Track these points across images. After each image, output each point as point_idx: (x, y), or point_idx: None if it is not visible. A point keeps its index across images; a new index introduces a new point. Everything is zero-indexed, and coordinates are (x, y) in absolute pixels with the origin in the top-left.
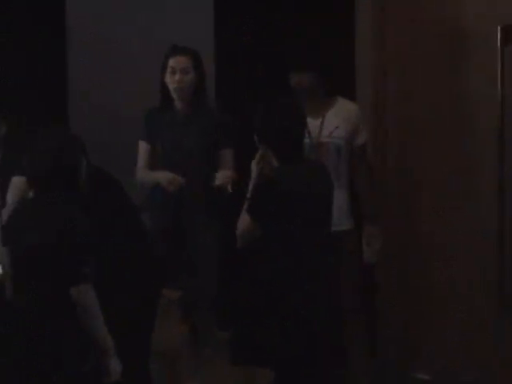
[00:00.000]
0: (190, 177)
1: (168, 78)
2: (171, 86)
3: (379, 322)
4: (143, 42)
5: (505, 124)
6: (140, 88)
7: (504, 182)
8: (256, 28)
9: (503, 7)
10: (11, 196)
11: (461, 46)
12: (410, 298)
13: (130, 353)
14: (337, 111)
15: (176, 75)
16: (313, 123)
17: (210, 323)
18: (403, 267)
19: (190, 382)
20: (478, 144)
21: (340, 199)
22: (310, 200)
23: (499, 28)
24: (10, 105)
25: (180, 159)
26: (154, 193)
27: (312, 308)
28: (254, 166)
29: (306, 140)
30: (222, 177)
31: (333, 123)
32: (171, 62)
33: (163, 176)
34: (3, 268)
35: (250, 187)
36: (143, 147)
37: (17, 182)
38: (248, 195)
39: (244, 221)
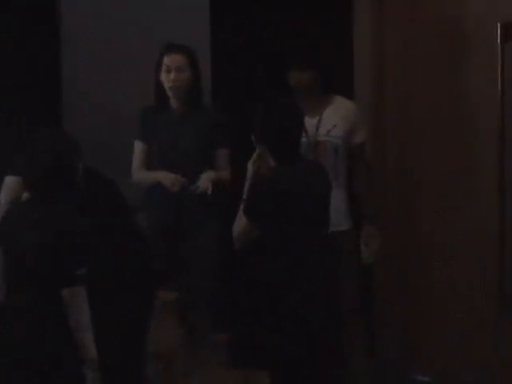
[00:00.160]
0: (186, 176)
1: (163, 77)
2: (166, 85)
3: (379, 322)
4: (143, 42)
5: (505, 123)
6: (140, 88)
7: (504, 182)
8: (252, 27)
9: (503, 4)
10: (4, 196)
11: (460, 45)
12: (410, 298)
13: (125, 353)
14: (334, 110)
15: (171, 74)
16: (310, 122)
17: (207, 324)
18: (403, 267)
19: None
20: (478, 143)
21: (338, 199)
22: (308, 200)
23: (499, 25)
24: (2, 104)
25: (176, 159)
26: (151, 192)
27: (311, 308)
28: (250, 167)
29: (303, 139)
30: (203, 180)
31: (330, 122)
32: (166, 61)
33: (164, 176)
34: None
35: (246, 188)
36: (139, 147)
37: (10, 183)
38: (244, 196)
39: (240, 222)
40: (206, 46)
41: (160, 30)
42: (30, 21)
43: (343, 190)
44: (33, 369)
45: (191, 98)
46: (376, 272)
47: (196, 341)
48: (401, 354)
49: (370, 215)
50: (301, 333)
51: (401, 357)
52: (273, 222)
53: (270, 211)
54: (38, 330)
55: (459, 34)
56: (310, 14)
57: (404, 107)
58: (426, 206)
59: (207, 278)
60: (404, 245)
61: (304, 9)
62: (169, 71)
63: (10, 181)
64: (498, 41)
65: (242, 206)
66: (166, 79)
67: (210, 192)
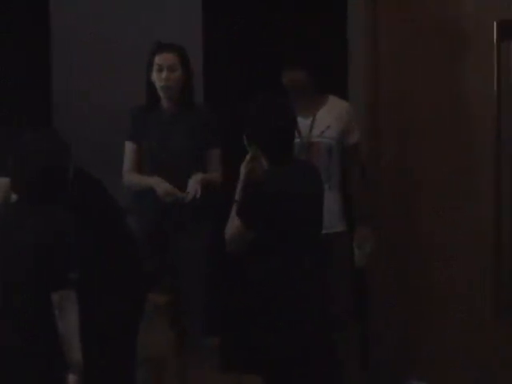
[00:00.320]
0: (177, 178)
1: (154, 76)
2: (158, 84)
3: (377, 323)
4: (135, 41)
5: (501, 123)
6: (139, 88)
7: (501, 182)
8: (245, 27)
9: (499, 2)
10: None
11: (456, 45)
12: (410, 299)
13: (115, 358)
14: (328, 110)
15: (163, 73)
16: (303, 122)
17: (198, 328)
18: (402, 267)
19: None
20: (474, 143)
21: (331, 201)
22: (301, 201)
23: (495, 24)
24: None
25: (167, 159)
26: (141, 196)
27: (305, 308)
28: (242, 169)
29: (297, 140)
30: (191, 185)
31: (324, 122)
32: (157, 60)
33: (158, 184)
34: None
35: (238, 190)
36: (130, 148)
37: None
38: (236, 198)
39: (233, 225)
40: (197, 46)
41: (151, 30)
42: (19, 20)
43: (337, 192)
44: (23, 371)
45: (183, 97)
46: (374, 273)
47: (187, 345)
48: (399, 355)
49: (364, 217)
50: (295, 333)
51: (398, 359)
52: (266, 223)
53: (264, 213)
54: (26, 332)
55: (454, 34)
56: (303, 13)
57: (399, 107)
58: (423, 206)
59: (197, 282)
60: (403, 245)
61: (298, 8)
62: (160, 70)
63: None
64: (494, 39)
65: (234, 208)
66: (158, 79)
67: (198, 195)
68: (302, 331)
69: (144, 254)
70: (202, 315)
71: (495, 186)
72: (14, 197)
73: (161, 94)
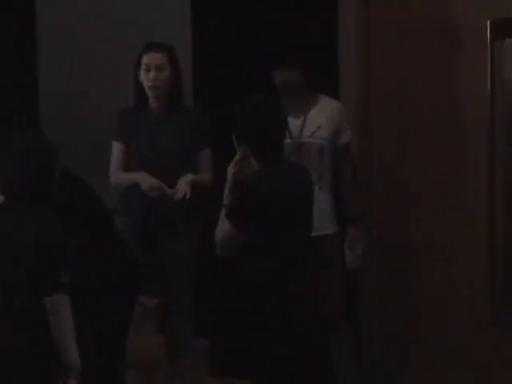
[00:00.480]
0: (165, 179)
1: (142, 76)
2: (146, 84)
3: (373, 324)
4: (124, 41)
5: (495, 122)
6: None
7: (494, 182)
8: (235, 27)
9: (492, 2)
10: None
11: (449, 43)
12: (405, 299)
13: (103, 362)
14: (319, 110)
15: (151, 73)
16: (294, 123)
17: (188, 331)
18: (397, 267)
19: None
20: (467, 143)
21: (322, 201)
22: (292, 201)
23: (488, 22)
24: None
25: (155, 159)
26: (128, 196)
27: (297, 308)
28: (230, 170)
29: (287, 140)
30: (181, 185)
31: (315, 122)
32: (145, 59)
33: (143, 179)
34: None
35: (226, 192)
36: (117, 148)
37: None
38: (224, 201)
39: (223, 228)
40: (187, 47)
41: (140, 30)
42: (5, 21)
43: (328, 192)
44: (20, 373)
45: (171, 97)
46: (368, 273)
47: (177, 348)
48: (395, 356)
49: (356, 218)
50: (287, 333)
51: (395, 359)
52: (257, 224)
53: (255, 214)
54: (26, 332)
55: (447, 33)
56: (294, 13)
57: (391, 107)
58: (416, 207)
59: (186, 283)
60: (397, 245)
61: (288, 8)
62: (148, 70)
63: None
64: (488, 38)
65: (222, 211)
66: (146, 78)
67: (188, 196)
68: (295, 331)
69: (132, 254)
70: (191, 317)
71: (489, 185)
72: (0, 198)
73: (149, 93)
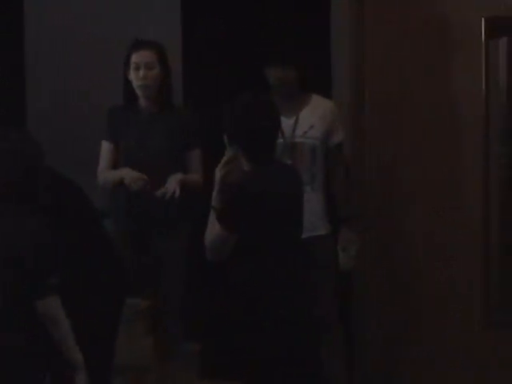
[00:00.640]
0: (155, 178)
1: (132, 75)
2: (135, 83)
3: (371, 324)
4: (114, 40)
5: (490, 122)
6: None
7: (489, 182)
8: (225, 26)
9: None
10: None
11: (443, 42)
12: (403, 299)
13: (91, 365)
14: (311, 109)
15: (140, 71)
16: (286, 122)
17: (178, 333)
18: (394, 268)
19: None
20: (462, 143)
21: (315, 202)
22: (283, 201)
23: (483, 20)
24: None
25: (145, 160)
26: (116, 196)
27: (288, 309)
28: (218, 172)
29: (279, 140)
30: (170, 183)
31: (307, 122)
32: (134, 58)
33: (127, 173)
34: None
35: (214, 195)
36: (106, 147)
37: None
38: (213, 203)
39: (213, 231)
40: (177, 46)
41: (129, 30)
42: None
43: (321, 193)
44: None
45: (161, 96)
46: (364, 274)
47: (168, 350)
48: (392, 356)
49: (349, 219)
50: (279, 333)
51: (392, 359)
52: (249, 225)
53: (246, 215)
54: (20, 336)
55: (441, 32)
56: (285, 13)
57: (385, 107)
58: (410, 206)
59: (177, 285)
60: (393, 245)
61: (279, 7)
62: (137, 68)
63: None
64: (482, 37)
65: (211, 214)
66: (135, 77)
67: (177, 195)
68: (286, 332)
69: (121, 255)
70: (182, 320)
71: (483, 185)
72: None
73: (138, 92)
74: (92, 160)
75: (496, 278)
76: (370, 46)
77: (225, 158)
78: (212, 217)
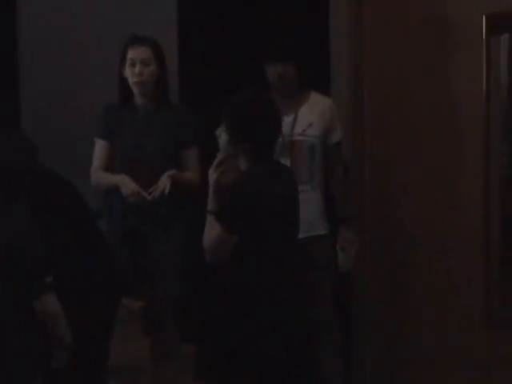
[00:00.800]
0: (150, 177)
1: (127, 71)
2: (131, 80)
3: (371, 322)
4: (109, 38)
5: (491, 120)
6: None
7: (489, 182)
8: (221, 26)
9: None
10: None
11: (444, 40)
12: (407, 295)
13: (85, 367)
14: (310, 106)
15: (136, 67)
16: (285, 120)
17: (174, 335)
18: (395, 267)
19: None
20: (462, 141)
21: (314, 202)
22: (281, 201)
23: (484, 17)
24: None
25: (141, 159)
26: (111, 196)
27: (286, 309)
28: (212, 174)
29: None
30: (161, 180)
31: (306, 120)
32: (130, 54)
33: (123, 183)
34: None
35: (210, 196)
36: (100, 145)
37: None
38: (208, 207)
39: (212, 233)
40: (173, 46)
41: (125, 29)
42: None
43: (319, 192)
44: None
45: (157, 93)
46: (362, 274)
47: (163, 352)
48: (392, 355)
49: (348, 218)
50: (276, 334)
51: (392, 358)
52: (249, 225)
53: (247, 214)
54: (20, 336)
55: (441, 30)
56: (282, 12)
57: (384, 107)
58: (409, 206)
59: (170, 286)
60: (393, 245)
61: (275, 7)
62: (133, 65)
63: None
64: (483, 34)
65: (208, 218)
66: (131, 74)
67: (167, 191)
68: (283, 332)
69: (116, 255)
70: (177, 321)
71: (485, 184)
72: None
73: (134, 90)
74: (87, 160)
75: (496, 277)
76: (369, 45)
77: (217, 160)
78: (209, 220)
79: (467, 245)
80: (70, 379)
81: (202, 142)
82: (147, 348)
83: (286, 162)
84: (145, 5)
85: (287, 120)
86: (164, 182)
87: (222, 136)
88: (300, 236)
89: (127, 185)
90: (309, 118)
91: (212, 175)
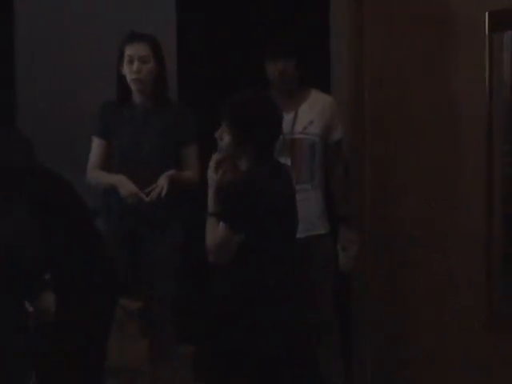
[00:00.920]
0: (149, 176)
1: (125, 69)
2: (129, 77)
3: (370, 321)
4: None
5: (493, 119)
6: None
7: (491, 181)
8: (220, 25)
9: None
10: None
11: (446, 37)
12: (407, 294)
13: (82, 367)
14: (311, 104)
15: (134, 64)
16: (285, 118)
17: (172, 336)
18: (395, 267)
19: None
20: (464, 140)
21: (314, 201)
22: (281, 200)
23: (487, 14)
24: None
25: (138, 158)
26: (109, 196)
27: (285, 308)
28: (212, 174)
29: None
30: (159, 180)
31: (307, 118)
32: (128, 50)
33: (121, 183)
34: None
35: (210, 197)
36: (97, 144)
37: None
38: (209, 209)
39: (216, 234)
40: (171, 46)
41: (124, 29)
42: None
43: (320, 191)
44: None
45: (155, 90)
46: (363, 274)
47: (161, 352)
48: (393, 355)
49: (348, 217)
50: (276, 333)
51: (392, 358)
52: (251, 224)
53: (252, 212)
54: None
55: (443, 27)
56: (284, 12)
57: (384, 107)
58: (409, 206)
59: (168, 287)
60: (393, 245)
61: (278, 6)
62: (131, 62)
63: None
64: (486, 31)
65: (209, 219)
66: (129, 71)
67: (164, 191)
68: (283, 331)
69: (114, 255)
70: (175, 321)
71: (486, 183)
72: None
73: (132, 87)
74: (85, 159)
75: (496, 277)
76: (369, 45)
77: (214, 160)
78: (210, 222)
79: (467, 245)
80: (67, 380)
81: (200, 141)
82: (145, 348)
83: (287, 160)
84: (144, 5)
85: (287, 118)
86: (162, 183)
87: (225, 137)
88: (300, 235)
89: (125, 185)
90: (309, 116)
91: (212, 176)
